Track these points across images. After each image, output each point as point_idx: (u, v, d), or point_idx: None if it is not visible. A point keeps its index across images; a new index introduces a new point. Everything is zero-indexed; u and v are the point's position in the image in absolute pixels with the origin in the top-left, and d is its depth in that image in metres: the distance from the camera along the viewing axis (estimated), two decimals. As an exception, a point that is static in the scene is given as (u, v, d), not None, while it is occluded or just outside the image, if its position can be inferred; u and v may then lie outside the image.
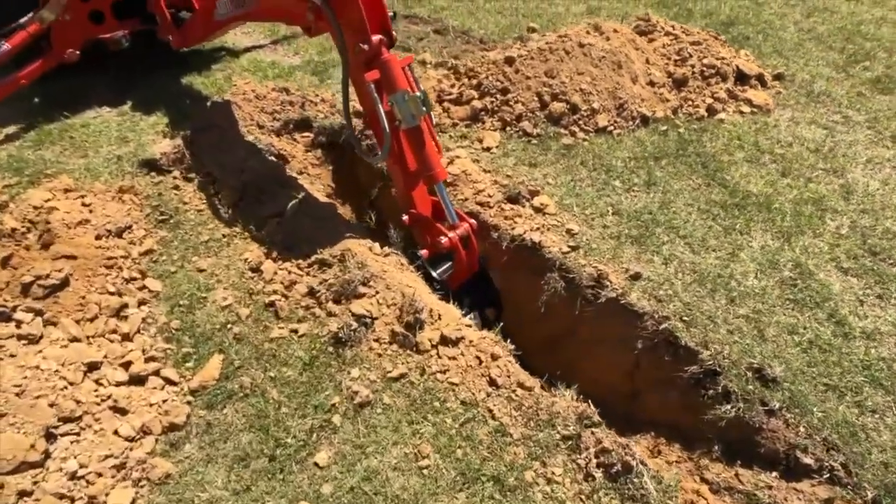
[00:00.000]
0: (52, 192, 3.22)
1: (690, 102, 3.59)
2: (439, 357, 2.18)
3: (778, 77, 3.92)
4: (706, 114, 3.51)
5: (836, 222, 2.69)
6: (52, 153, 3.72)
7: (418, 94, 2.33)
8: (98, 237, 2.79)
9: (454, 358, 2.17)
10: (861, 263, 2.47)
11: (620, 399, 2.48)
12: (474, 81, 3.67)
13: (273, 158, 3.29)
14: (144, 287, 2.63)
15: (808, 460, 1.88)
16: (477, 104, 3.57)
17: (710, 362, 2.10)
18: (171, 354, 2.32)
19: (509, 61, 3.58)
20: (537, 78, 3.50)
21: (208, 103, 4.02)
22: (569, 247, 2.59)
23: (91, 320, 2.38)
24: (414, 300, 2.24)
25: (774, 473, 1.93)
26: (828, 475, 1.85)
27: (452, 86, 3.81)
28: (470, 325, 2.31)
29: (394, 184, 2.68)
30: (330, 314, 2.37)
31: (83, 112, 4.16)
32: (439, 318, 2.30)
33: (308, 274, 2.57)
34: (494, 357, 2.16)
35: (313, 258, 2.59)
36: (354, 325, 2.26)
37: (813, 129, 3.38)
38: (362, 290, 2.36)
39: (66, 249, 2.56)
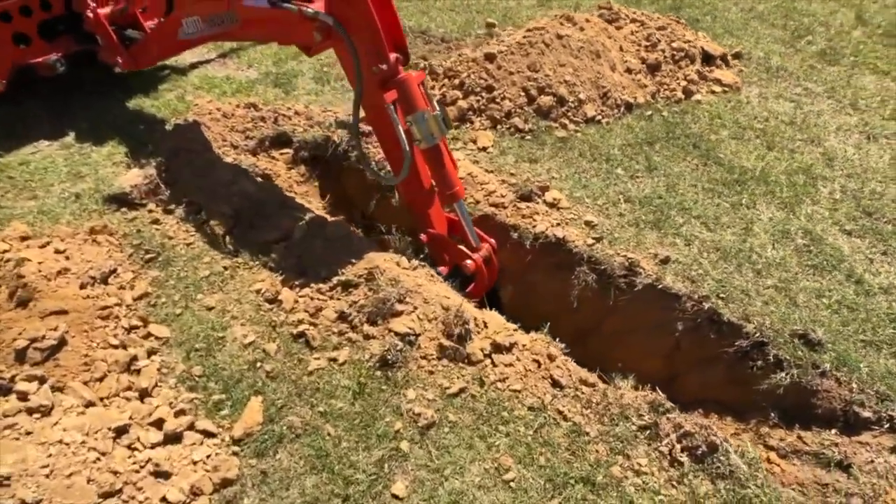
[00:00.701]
0: (6, 242, 2.86)
1: (666, 86, 3.71)
2: (494, 366, 2.12)
3: (737, 56, 4.12)
4: (683, 96, 3.63)
5: (828, 188, 2.86)
6: (-7, 197, 3.31)
7: (437, 112, 2.29)
8: (83, 286, 2.50)
9: (510, 364, 2.11)
10: (861, 224, 2.64)
11: (658, 384, 2.51)
12: (456, 81, 3.61)
13: (260, 179, 3.09)
14: (150, 335, 2.38)
15: (866, 414, 1.97)
16: (463, 104, 3.51)
17: (756, 334, 2.16)
18: (201, 404, 2.12)
19: (490, 58, 3.55)
20: (521, 73, 3.49)
21: (169, 126, 3.72)
22: (593, 238, 2.59)
23: (100, 380, 2.12)
24: (461, 311, 2.16)
25: (834, 431, 2.02)
26: (887, 425, 1.95)
27: (433, 87, 3.72)
28: (517, 329, 2.26)
29: (408, 203, 2.63)
30: (368, 337, 2.24)
31: (17, 148, 3.74)
32: (486, 327, 2.23)
33: (332, 297, 2.42)
34: (551, 357, 2.12)
35: (335, 280, 2.44)
36: (399, 344, 2.15)
37: (781, 103, 3.57)
38: (399, 307, 2.25)
39: (53, 304, 2.27)
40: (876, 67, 4.05)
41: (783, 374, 2.09)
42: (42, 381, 2.00)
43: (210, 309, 2.49)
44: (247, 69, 4.66)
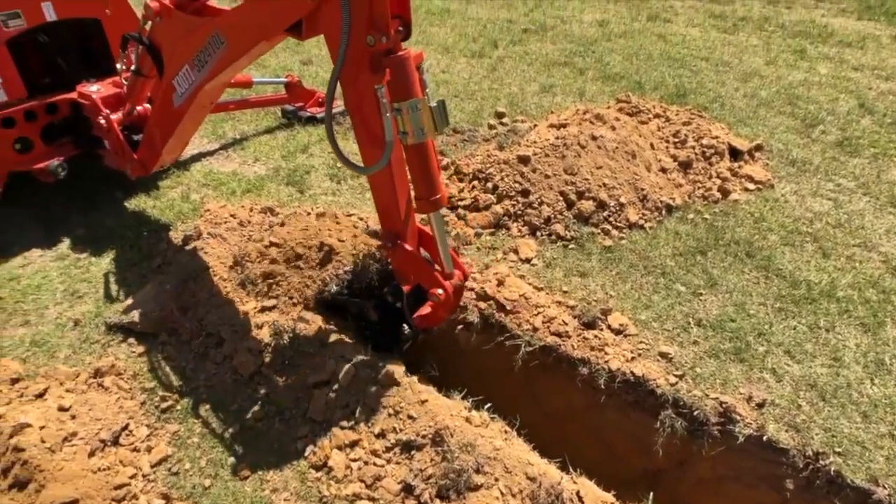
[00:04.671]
0: (-5, 388, 2.47)
1: (700, 184, 3.62)
2: (598, 554, 1.81)
3: (759, 148, 4.10)
4: (720, 195, 3.54)
5: (902, 304, 2.72)
6: (-23, 325, 2.92)
7: (435, 103, 1.89)
8: (92, 453, 2.12)
9: (617, 552, 1.80)
10: (950, 348, 2.49)
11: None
12: (489, 185, 3.44)
13: (292, 312, 2.78)
14: (175, 518, 2.00)
15: None
16: (498, 209, 3.33)
17: (891, 501, 1.92)
18: None
19: (524, 160, 3.40)
20: (557, 176, 3.34)
21: (178, 236, 3.41)
22: (675, 376, 2.35)
23: None
24: (554, 486, 1.86)
25: None
26: None
27: (462, 190, 3.54)
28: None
29: (378, 204, 2.22)
30: (441, 517, 1.91)
31: (6, 259, 3.37)
32: (580, 500, 1.93)
33: (391, 461, 2.09)
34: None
35: (394, 439, 2.12)
36: (484, 531, 1.83)
37: (820, 202, 3.51)
38: (477, 478, 1.93)
39: (61, 493, 1.88)
40: (899, 160, 4.08)
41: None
42: None
43: (245, 479, 2.12)
44: (253, 163, 4.43)
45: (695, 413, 2.23)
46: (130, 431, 2.27)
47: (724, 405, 2.21)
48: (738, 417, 2.18)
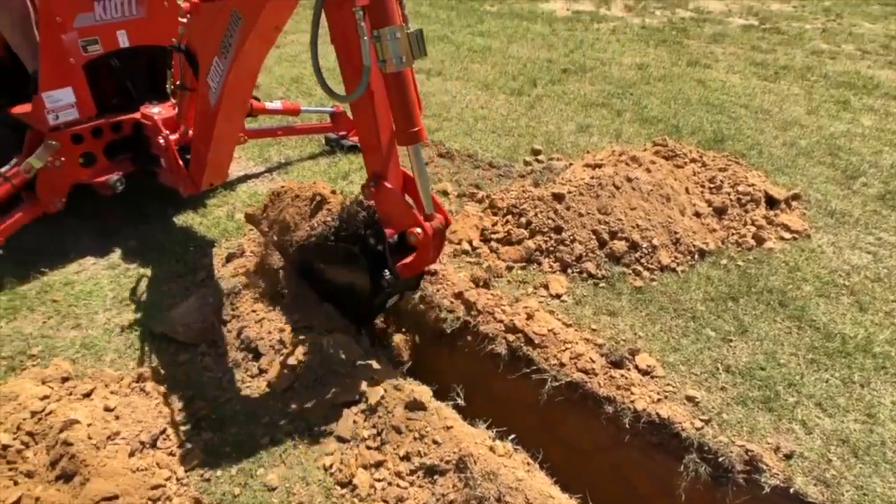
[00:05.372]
0: (48, 386, 2.62)
1: (735, 231, 3.62)
2: None
3: (796, 197, 4.08)
4: (755, 243, 3.53)
5: (942, 364, 2.66)
6: (33, 325, 3.12)
7: (412, 30, 1.95)
8: (132, 454, 2.23)
9: None
10: None
11: None
12: (522, 220, 3.52)
13: (325, 331, 2.88)
14: (205, 523, 2.08)
15: None
16: (530, 244, 3.40)
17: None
18: None
19: (558, 198, 3.48)
20: (591, 215, 3.40)
21: (222, 253, 3.59)
22: (701, 421, 2.34)
23: None
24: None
25: None
26: None
27: (495, 224, 3.63)
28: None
29: (362, 141, 2.28)
30: (461, 544, 1.93)
31: (62, 265, 3.59)
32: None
33: (414, 484, 2.13)
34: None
35: (418, 462, 2.16)
36: (502, 561, 1.84)
37: (859, 255, 3.46)
38: (498, 508, 1.96)
39: (103, 488, 1.98)
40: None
41: None
42: None
43: (272, 489, 2.19)
44: (296, 186, 4.63)
45: (720, 459, 2.21)
46: (168, 436, 2.38)
47: (750, 453, 2.18)
48: (765, 467, 2.15)
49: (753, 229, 3.59)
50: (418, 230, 2.18)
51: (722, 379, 2.56)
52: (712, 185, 3.85)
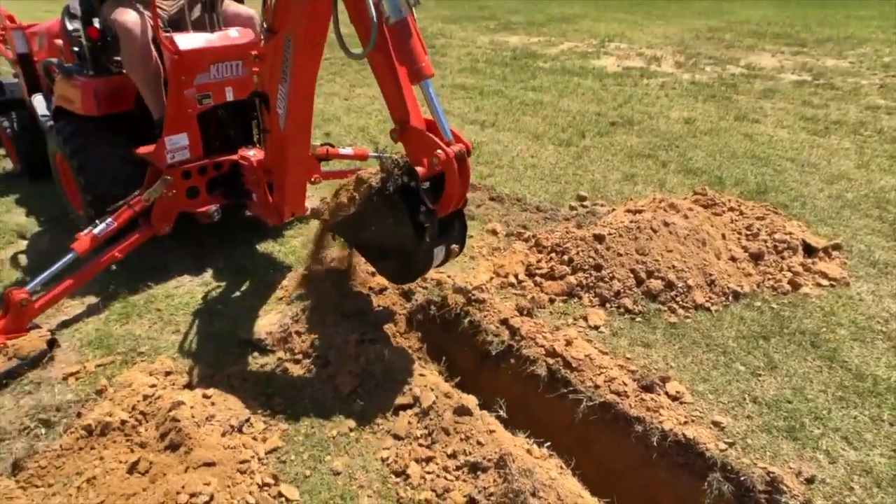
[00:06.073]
0: (154, 376, 3.12)
1: (770, 276, 3.80)
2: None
3: (837, 247, 4.21)
4: (790, 288, 3.69)
5: (974, 410, 2.73)
6: (141, 328, 3.66)
7: None
8: (224, 434, 2.65)
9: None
10: None
11: None
12: (565, 257, 3.85)
13: (385, 345, 3.27)
14: (281, 495, 2.44)
15: None
16: (572, 280, 3.71)
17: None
18: (332, 586, 2.10)
19: (599, 239, 3.80)
20: (629, 255, 3.70)
21: (297, 276, 4.09)
22: (725, 443, 2.54)
23: (239, 543, 2.17)
24: (600, 517, 2.12)
25: None
26: None
27: (540, 261, 3.97)
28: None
29: (384, 93, 2.62)
30: (498, 530, 2.21)
31: (165, 281, 4.18)
32: (623, 536, 2.15)
33: (459, 478, 2.43)
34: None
35: (463, 460, 2.47)
36: (534, 545, 2.10)
37: (897, 304, 3.56)
38: (532, 501, 2.23)
39: (204, 454, 2.40)
40: None
41: None
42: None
43: (336, 474, 2.54)
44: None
45: (742, 479, 2.39)
46: (251, 424, 2.79)
47: (771, 475, 2.36)
48: (786, 489, 2.31)
49: (789, 275, 3.76)
50: (440, 152, 2.44)
51: (748, 408, 2.74)
52: (749, 233, 4.06)
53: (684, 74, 10.36)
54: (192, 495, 2.19)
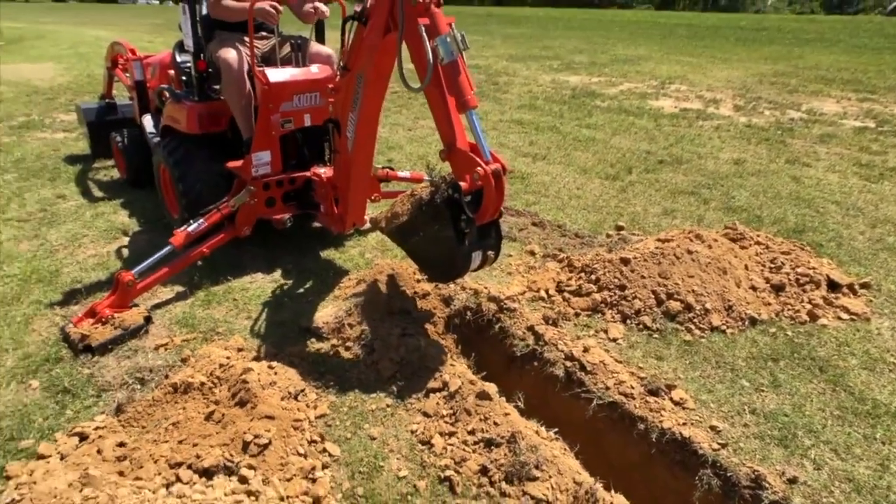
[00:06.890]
0: (228, 351, 3.70)
1: (790, 307, 3.98)
2: (618, 548, 2.32)
3: (865, 286, 4.32)
4: (808, 318, 3.87)
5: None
6: (220, 313, 4.30)
7: (459, 35, 2.89)
8: (283, 398, 3.17)
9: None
10: None
11: None
12: (593, 277, 4.20)
13: (423, 339, 3.73)
14: (325, 451, 2.91)
15: None
16: (597, 297, 4.06)
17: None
18: (362, 522, 2.53)
19: (625, 261, 4.14)
20: (652, 278, 4.01)
21: (353, 279, 4.65)
22: (718, 444, 2.80)
23: (289, 479, 2.65)
24: (592, 490, 2.45)
25: None
26: None
27: (570, 279, 4.35)
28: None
29: (436, 120, 3.12)
30: (504, 494, 2.57)
31: (241, 276, 4.85)
32: (612, 507, 2.47)
33: (475, 451, 2.82)
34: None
35: (480, 436, 2.87)
36: (533, 507, 2.46)
37: (918, 342, 3.67)
38: (536, 473, 2.59)
39: (266, 410, 2.93)
40: None
41: None
42: (255, 471, 2.57)
43: (373, 439, 2.99)
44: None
45: (728, 475, 2.64)
46: (305, 394, 3.30)
47: (755, 472, 2.60)
48: (767, 486, 2.55)
49: (809, 307, 3.93)
50: (479, 169, 2.92)
51: (746, 418, 2.98)
52: (773, 266, 4.26)
53: (741, 118, 10.44)
54: (256, 436, 2.71)
